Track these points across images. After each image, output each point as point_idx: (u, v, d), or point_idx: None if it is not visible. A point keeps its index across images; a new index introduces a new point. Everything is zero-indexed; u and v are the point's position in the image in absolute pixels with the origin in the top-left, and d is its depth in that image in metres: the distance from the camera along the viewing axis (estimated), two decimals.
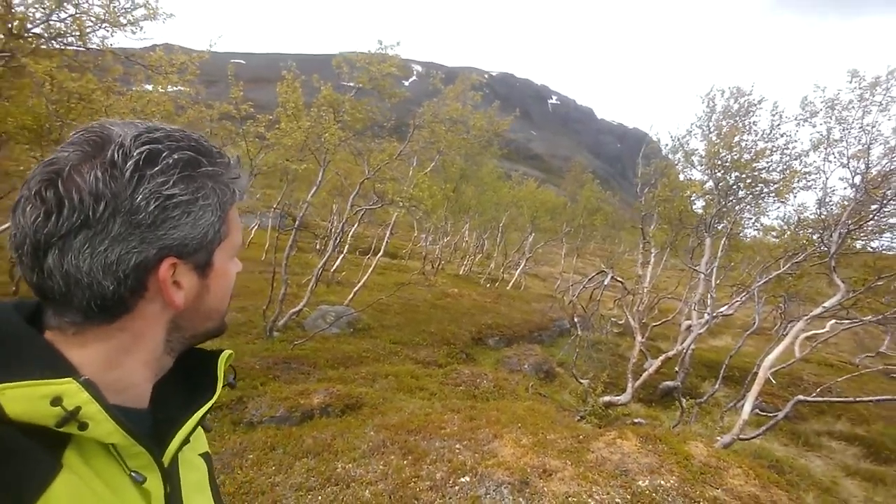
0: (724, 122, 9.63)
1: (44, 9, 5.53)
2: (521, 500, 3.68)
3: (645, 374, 9.32)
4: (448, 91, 9.92)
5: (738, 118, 9.48)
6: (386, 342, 10.11)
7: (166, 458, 0.63)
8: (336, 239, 10.30)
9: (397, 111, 10.38)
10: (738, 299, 9.28)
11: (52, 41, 5.91)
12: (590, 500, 3.66)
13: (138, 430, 0.58)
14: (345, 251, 12.90)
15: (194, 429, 0.68)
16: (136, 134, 0.57)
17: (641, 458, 4.18)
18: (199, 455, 0.77)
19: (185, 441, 0.67)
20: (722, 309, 9.20)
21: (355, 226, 11.23)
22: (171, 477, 0.65)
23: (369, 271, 12.38)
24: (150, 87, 7.80)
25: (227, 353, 0.75)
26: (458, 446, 4.64)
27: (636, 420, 8.99)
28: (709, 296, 9.54)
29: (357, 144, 9.88)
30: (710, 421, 9.51)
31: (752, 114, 9.40)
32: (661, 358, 9.59)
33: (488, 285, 21.39)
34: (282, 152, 9.22)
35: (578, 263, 28.62)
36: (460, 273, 23.46)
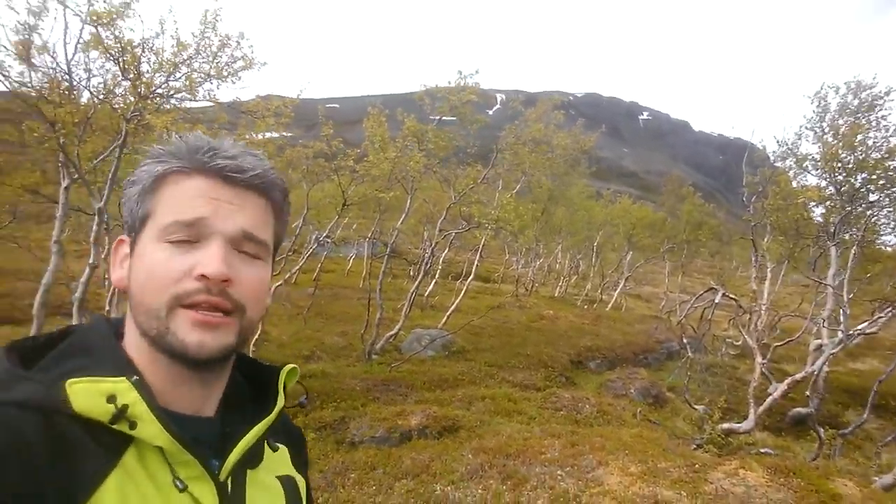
0: (840, 121, 8.66)
1: (163, 72, 6.35)
2: None
3: (770, 399, 8.37)
4: (529, 113, 9.92)
5: (859, 114, 8.49)
6: (481, 364, 10.03)
7: (223, 473, 0.61)
8: (427, 264, 10.51)
9: (481, 139, 10.55)
10: (883, 315, 8.09)
11: (170, 99, 6.78)
12: None
13: (188, 436, 0.57)
14: (436, 276, 13.09)
15: (256, 447, 0.66)
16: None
17: (772, 493, 3.71)
18: (279, 477, 0.72)
19: (251, 459, 0.65)
20: (860, 326, 8.07)
21: (445, 251, 11.40)
22: (231, 494, 0.62)
23: (461, 295, 12.44)
24: (253, 135, 8.65)
25: (288, 367, 0.72)
26: (559, 473, 4.43)
27: (763, 450, 8.05)
28: (841, 312, 8.43)
29: (443, 171, 10.14)
30: (860, 457, 8.30)
31: (877, 108, 8.38)
32: (787, 381, 8.55)
33: (585, 307, 20.60)
34: (371, 183, 9.67)
35: (685, 282, 26.78)
36: (555, 295, 22.85)
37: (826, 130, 8.71)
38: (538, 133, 9.60)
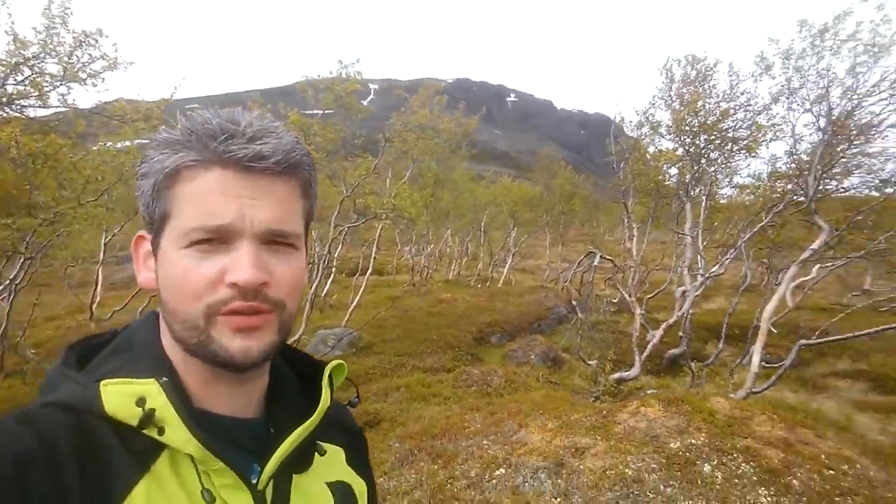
0: (685, 90, 9.84)
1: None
2: (559, 481, 3.68)
3: (650, 346, 9.41)
4: (414, 100, 9.99)
5: (697, 83, 9.69)
6: (390, 356, 10.04)
7: (263, 480, 0.57)
8: (323, 263, 10.21)
9: (362, 129, 10.42)
10: (728, 257, 9.43)
11: (9, 107, 5.80)
12: (627, 470, 3.68)
13: (223, 440, 0.55)
14: (332, 274, 12.82)
15: (304, 450, 0.61)
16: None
17: (668, 421, 4.22)
18: (330, 483, 0.67)
19: (297, 463, 0.61)
20: (714, 269, 9.35)
21: (339, 247, 11.18)
22: (271, 503, 0.58)
23: (360, 290, 12.29)
24: (128, 143, 7.68)
25: (333, 364, 0.67)
26: (485, 442, 4.63)
27: (649, 391, 9.05)
28: (699, 258, 9.70)
29: (331, 166, 9.85)
30: (720, 380, 9.64)
31: (710, 78, 9.63)
32: (662, 327, 9.69)
33: (479, 286, 21.42)
34: None
35: (563, 251, 28.85)
36: (450, 278, 23.46)
37: (674, 99, 9.84)
38: (424, 119, 9.71)
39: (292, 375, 0.69)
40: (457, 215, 24.33)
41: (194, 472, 0.53)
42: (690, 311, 9.86)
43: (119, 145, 7.04)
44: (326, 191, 12.00)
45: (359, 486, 0.72)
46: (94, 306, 14.67)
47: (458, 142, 13.09)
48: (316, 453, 0.65)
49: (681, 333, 9.82)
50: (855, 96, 7.11)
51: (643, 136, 11.30)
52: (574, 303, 10.99)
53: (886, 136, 7.40)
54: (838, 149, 7.50)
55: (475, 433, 4.92)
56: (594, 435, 4.25)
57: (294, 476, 0.61)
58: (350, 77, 8.48)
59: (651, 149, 11.18)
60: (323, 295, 14.17)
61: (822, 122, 7.32)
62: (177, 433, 0.51)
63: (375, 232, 11.92)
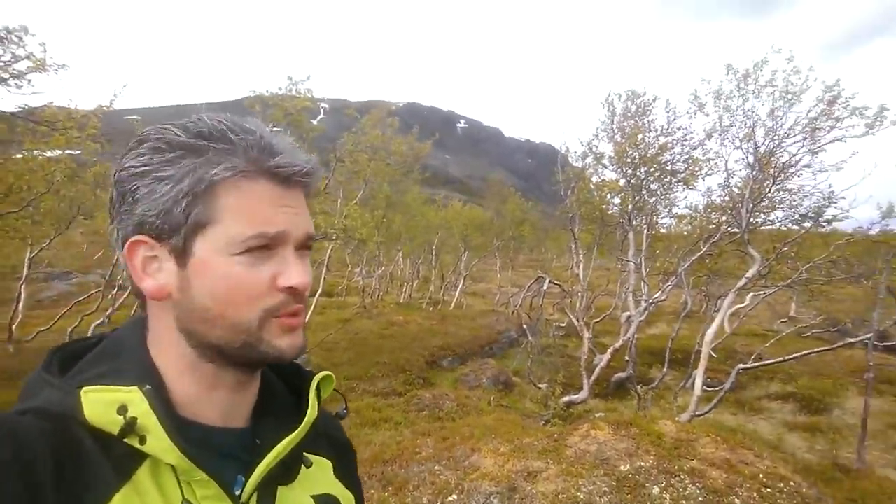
0: (626, 123, 10.38)
1: None
2: None
3: (597, 370, 9.63)
4: (366, 120, 9.97)
5: (637, 117, 10.25)
6: (340, 379, 9.66)
7: (246, 492, 0.56)
8: None
9: (313, 147, 10.30)
10: (669, 284, 9.87)
11: None
12: (578, 494, 3.70)
13: (208, 451, 0.54)
14: None
15: (290, 461, 0.61)
16: (155, 126, 0.57)
17: (617, 444, 4.30)
18: (316, 496, 0.65)
19: (282, 475, 0.60)
20: (656, 295, 9.74)
21: None
22: None
23: (309, 312, 11.97)
24: (58, 151, 7.16)
25: (321, 375, 0.67)
26: (437, 468, 4.55)
27: (598, 414, 9.23)
28: (642, 285, 10.09)
29: None
30: (665, 403, 9.96)
31: (649, 112, 10.22)
32: (609, 351, 9.95)
33: (431, 309, 21.35)
34: None
35: (513, 276, 29.31)
36: (401, 301, 23.26)
37: (615, 131, 10.34)
38: (377, 140, 9.67)
39: (283, 386, 0.69)
40: (409, 238, 24.32)
41: (175, 483, 0.52)
42: (635, 336, 10.21)
43: (49, 154, 6.58)
44: None
45: (346, 499, 0.71)
46: (13, 326, 13.53)
47: (410, 165, 13.14)
48: (302, 465, 0.64)
49: (627, 358, 10.11)
50: (776, 137, 7.74)
51: (588, 167, 11.78)
52: (524, 327, 11.12)
53: (801, 174, 8.09)
54: (765, 184, 8.09)
55: (427, 458, 4.83)
56: (546, 458, 4.26)
57: (279, 488, 0.60)
58: (300, 94, 8.39)
59: (595, 178, 11.68)
60: None
61: (751, 159, 7.89)
62: (158, 442, 0.50)
63: (325, 252, 11.70)
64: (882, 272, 7.87)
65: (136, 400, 0.51)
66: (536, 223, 27.87)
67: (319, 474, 0.68)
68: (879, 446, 8.58)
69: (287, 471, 0.61)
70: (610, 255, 16.32)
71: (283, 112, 8.53)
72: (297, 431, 0.60)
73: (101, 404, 0.50)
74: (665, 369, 10.37)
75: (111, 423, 0.50)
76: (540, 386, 9.88)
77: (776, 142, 7.64)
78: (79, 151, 7.31)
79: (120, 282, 12.58)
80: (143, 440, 0.50)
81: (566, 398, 9.22)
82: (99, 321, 7.10)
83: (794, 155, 7.67)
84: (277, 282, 0.55)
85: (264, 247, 0.54)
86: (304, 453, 0.64)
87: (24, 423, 0.48)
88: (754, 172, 7.86)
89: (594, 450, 4.28)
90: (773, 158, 7.82)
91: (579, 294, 12.86)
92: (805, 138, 7.38)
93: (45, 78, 5.72)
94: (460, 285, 23.98)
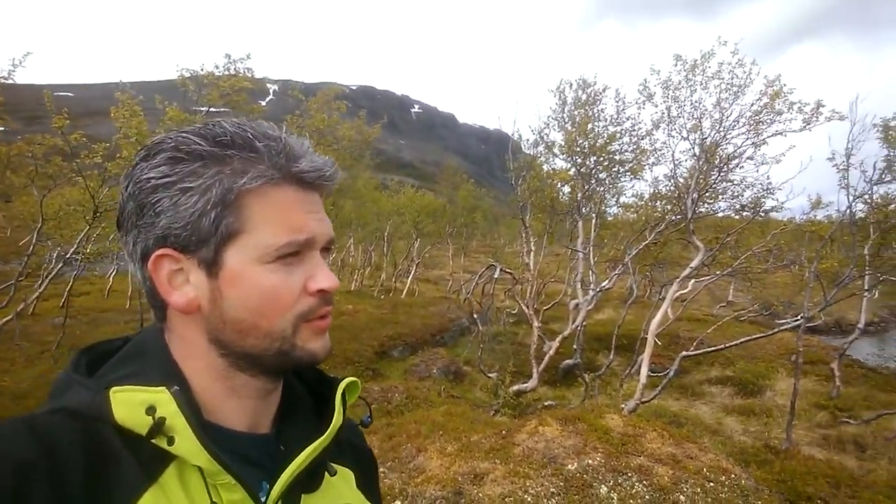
0: (576, 112, 10.35)
1: None
2: None
3: (546, 358, 9.69)
4: (311, 103, 9.42)
5: (587, 107, 10.24)
6: None
7: (271, 498, 0.55)
8: None
9: None
10: (616, 272, 10.00)
11: None
12: (526, 497, 3.59)
13: (233, 455, 0.54)
14: None
15: (314, 469, 0.60)
16: (168, 133, 0.56)
17: (565, 440, 4.23)
18: None
19: (307, 482, 0.60)
20: (604, 284, 9.85)
21: None
22: None
23: None
24: None
25: (346, 381, 0.66)
26: (382, 470, 4.34)
27: (547, 403, 9.30)
28: (590, 273, 10.19)
29: None
30: (611, 390, 10.14)
31: (598, 102, 10.22)
32: (558, 339, 10.03)
33: (382, 297, 21.03)
34: None
35: (465, 262, 29.34)
36: (352, 289, 22.80)
37: (566, 120, 10.29)
38: (321, 124, 9.16)
39: (305, 392, 0.68)
40: (360, 224, 23.80)
41: (202, 486, 0.52)
42: (583, 324, 10.32)
43: None
44: None
45: None
46: None
47: (360, 149, 12.69)
48: (326, 474, 0.63)
49: (575, 346, 10.21)
50: (721, 128, 7.89)
51: (539, 155, 11.74)
52: (475, 315, 11.03)
53: (742, 166, 8.31)
54: (711, 175, 8.26)
55: None
56: (493, 458, 4.14)
57: (303, 496, 0.59)
58: (239, 73, 7.80)
59: (546, 167, 11.65)
60: None
61: (697, 150, 8.01)
62: (187, 444, 0.50)
63: None
64: (812, 260, 8.21)
65: (164, 400, 0.51)
66: (489, 210, 27.96)
67: (343, 484, 0.67)
68: (804, 425, 9.04)
69: (311, 479, 0.61)
70: (559, 242, 16.50)
71: (220, 92, 7.92)
72: (322, 438, 0.59)
73: (129, 404, 0.50)
74: (612, 356, 10.56)
75: (140, 423, 0.50)
76: (490, 375, 9.85)
77: (722, 133, 7.79)
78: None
79: (45, 272, 11.58)
80: (171, 441, 0.50)
81: (516, 387, 9.23)
82: (8, 318, 6.40)
83: (739, 147, 7.84)
84: (308, 286, 0.56)
85: (294, 253, 0.55)
86: (330, 462, 0.63)
87: (54, 423, 0.49)
88: (700, 163, 8.00)
89: (542, 447, 4.19)
90: (718, 149, 7.98)
91: (529, 282, 12.91)
92: (749, 130, 7.54)
93: None
94: (412, 272, 23.75)
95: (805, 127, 7.16)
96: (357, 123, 11.78)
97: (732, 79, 7.51)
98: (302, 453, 0.57)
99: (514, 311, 17.18)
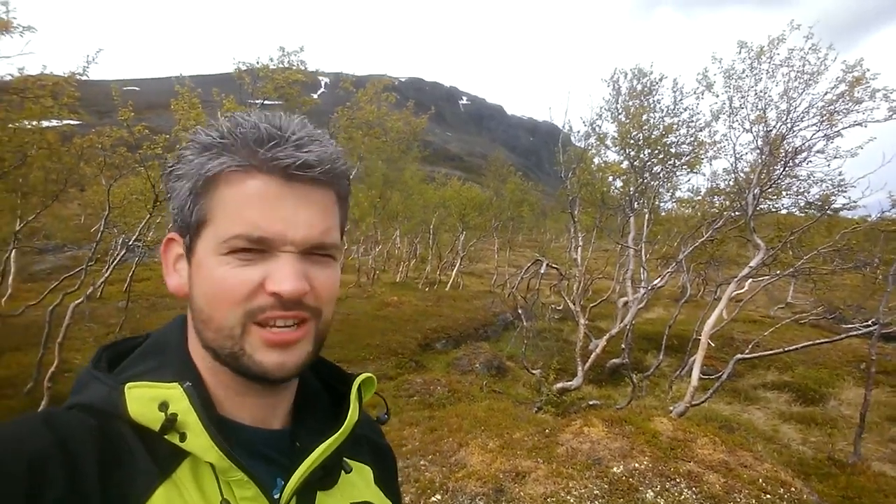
0: (630, 103, 9.97)
1: None
2: None
3: (592, 356, 9.46)
4: (360, 94, 9.51)
5: (642, 97, 9.85)
6: None
7: (285, 495, 0.54)
8: None
9: (310, 122, 9.82)
10: (669, 270, 9.63)
11: None
12: (568, 498, 3.51)
13: (246, 451, 0.54)
14: None
15: (330, 466, 0.59)
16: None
17: (611, 443, 4.10)
18: (355, 503, 0.63)
19: (322, 479, 0.59)
20: (656, 282, 9.51)
21: None
22: None
23: None
24: (26, 123, 6.82)
25: (362, 377, 0.64)
26: (423, 462, 4.36)
27: (591, 402, 9.09)
28: (641, 270, 9.85)
29: None
30: (660, 392, 9.82)
31: (655, 92, 9.81)
32: (605, 337, 9.77)
33: (427, 289, 21.15)
34: None
35: (511, 256, 29.07)
36: (397, 280, 23.06)
37: (620, 111, 9.94)
38: (371, 116, 9.22)
39: (320, 387, 0.68)
40: (406, 216, 23.99)
41: (215, 482, 0.52)
42: (632, 322, 10.02)
43: (22, 124, 6.24)
44: None
45: None
46: (1, 300, 13.29)
47: (408, 141, 12.73)
48: (342, 471, 0.63)
49: (623, 345, 9.92)
50: (788, 120, 7.38)
51: (590, 147, 11.42)
52: (520, 310, 10.91)
53: (811, 160, 7.76)
54: (774, 169, 7.78)
55: (413, 451, 4.65)
56: (536, 457, 4.06)
57: (318, 494, 0.59)
58: (293, 66, 7.96)
59: (597, 160, 11.31)
60: None
61: (761, 143, 7.55)
62: (198, 440, 0.50)
63: None
64: (891, 262, 7.59)
65: (176, 396, 0.50)
66: (536, 204, 27.51)
67: (360, 481, 0.66)
68: (875, 439, 8.46)
69: (327, 475, 0.60)
70: (609, 238, 16.05)
71: (274, 85, 8.11)
72: (337, 434, 0.58)
73: (143, 400, 0.50)
74: (661, 356, 10.21)
75: (153, 419, 0.50)
76: (533, 371, 9.72)
77: (789, 125, 7.29)
78: (56, 122, 6.96)
79: (111, 258, 12.28)
80: (183, 437, 0.50)
81: (560, 384, 9.07)
82: (79, 301, 6.85)
83: (808, 139, 7.32)
84: (266, 285, 0.52)
85: (252, 250, 0.52)
86: (345, 459, 0.63)
87: (70, 418, 0.49)
88: (764, 157, 7.54)
89: (587, 448, 4.08)
90: (784, 142, 7.49)
91: (576, 277, 12.63)
92: (821, 121, 7.02)
93: (12, 42, 5.33)
94: (457, 265, 23.75)
95: (891, 116, 6.58)
96: (405, 114, 11.80)
97: (804, 66, 7.00)
98: (317, 450, 0.56)
99: (559, 308, 16.89)
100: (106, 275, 9.18)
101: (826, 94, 6.89)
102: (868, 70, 6.60)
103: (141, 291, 14.90)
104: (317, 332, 0.56)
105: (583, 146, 11.67)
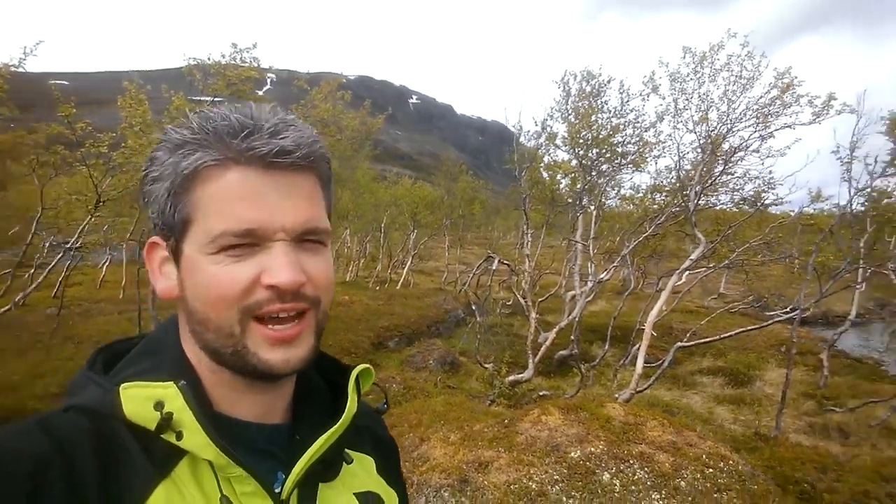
0: (580, 104, 10.35)
1: None
2: (463, 499, 3.55)
3: (543, 348, 9.75)
4: (315, 93, 9.31)
5: (591, 98, 10.24)
6: None
7: (286, 489, 0.54)
8: None
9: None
10: (615, 264, 10.06)
11: None
12: (531, 483, 3.64)
13: (245, 447, 0.54)
14: None
15: (330, 458, 0.59)
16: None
17: (568, 429, 4.28)
18: (357, 494, 0.63)
19: (323, 471, 0.59)
20: (602, 275, 9.91)
21: None
22: None
23: None
24: None
25: (360, 368, 0.65)
26: None
27: (542, 393, 9.37)
28: (589, 265, 10.24)
29: None
30: (605, 381, 10.24)
31: (603, 93, 10.22)
32: (555, 329, 10.08)
33: (378, 288, 21.02)
34: (133, 174, 7.65)
35: (461, 254, 29.36)
36: (347, 280, 22.78)
37: (570, 112, 10.28)
38: (327, 114, 9.05)
39: (319, 380, 0.67)
40: (357, 215, 23.75)
41: (213, 479, 0.51)
42: (580, 315, 10.39)
43: None
44: None
45: (389, 498, 0.69)
46: None
47: (361, 140, 12.61)
48: (343, 462, 0.63)
49: (572, 336, 10.28)
50: (728, 121, 7.92)
51: (540, 146, 11.74)
52: (472, 306, 11.07)
53: (746, 159, 8.35)
54: (715, 167, 8.30)
55: None
56: (497, 447, 4.19)
57: (320, 486, 0.59)
58: (245, 63, 7.71)
59: (546, 158, 11.66)
60: None
61: (703, 142, 8.04)
62: (195, 438, 0.50)
63: None
64: (810, 253, 8.29)
65: (171, 395, 0.50)
66: (486, 202, 27.89)
67: (361, 472, 0.66)
68: (793, 413, 9.19)
69: (328, 468, 0.60)
70: (559, 234, 16.53)
71: (226, 82, 7.82)
72: (336, 427, 0.58)
73: (138, 400, 0.50)
74: (606, 346, 10.65)
75: (148, 419, 0.50)
76: (486, 366, 9.90)
77: (728, 126, 7.82)
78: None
79: (37, 261, 11.44)
80: (179, 436, 0.50)
81: (511, 377, 9.29)
82: (7, 308, 6.34)
83: (746, 140, 7.88)
84: (262, 279, 0.51)
85: (243, 245, 0.51)
86: (346, 450, 0.63)
87: (67, 421, 0.49)
88: (705, 155, 8.03)
89: (545, 436, 4.24)
90: (724, 142, 8.01)
91: (528, 273, 12.96)
92: (758, 123, 7.57)
93: None
94: (408, 263, 23.74)
95: (815, 120, 7.20)
96: (361, 113, 11.69)
97: (741, 71, 7.53)
98: (316, 442, 0.56)
99: (509, 303, 17.23)
100: (40, 279, 8.56)
101: (761, 97, 7.45)
102: (796, 77, 7.20)
103: (73, 296, 13.99)
104: (317, 323, 0.56)
105: (533, 145, 11.99)
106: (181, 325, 0.57)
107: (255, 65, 7.84)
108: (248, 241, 0.51)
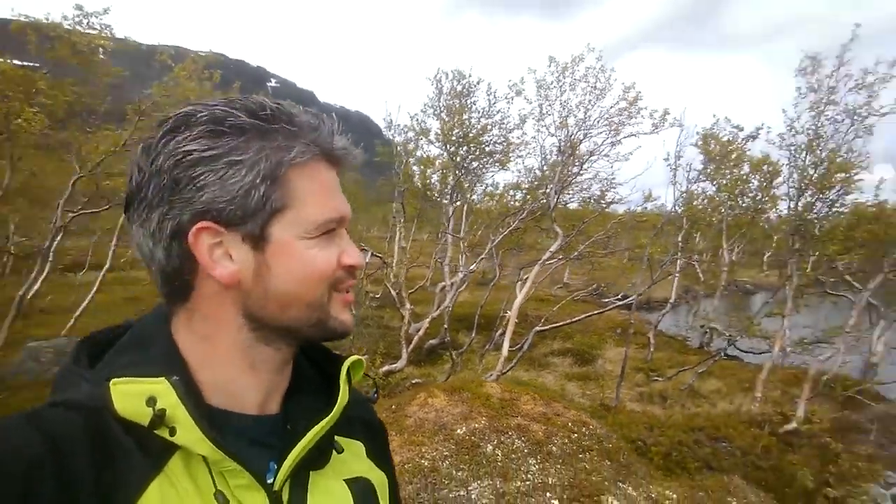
0: (452, 101, 10.84)
1: None
2: None
3: (416, 338, 10.13)
4: (179, 70, 8.40)
5: (461, 98, 10.79)
6: None
7: (279, 479, 0.55)
8: (46, 256, 7.97)
9: (103, 96, 8.34)
10: (483, 256, 10.78)
11: None
12: (423, 461, 3.90)
13: (238, 440, 0.55)
14: (46, 270, 10.10)
15: (321, 447, 0.60)
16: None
17: (453, 409, 4.63)
18: (348, 480, 0.64)
19: (315, 460, 0.60)
20: (472, 267, 10.57)
21: (59, 237, 8.78)
22: (288, 502, 0.57)
23: (93, 290, 10.02)
24: None
25: (352, 359, 0.66)
26: None
27: (414, 381, 9.73)
28: (461, 257, 10.83)
29: (60, 136, 7.63)
30: (472, 366, 10.95)
31: (472, 94, 10.83)
32: (427, 319, 10.52)
33: None
34: None
35: None
36: None
37: (442, 109, 10.72)
38: (193, 94, 8.26)
39: (311, 370, 0.68)
40: None
41: (208, 473, 0.52)
42: (451, 305, 10.97)
43: None
44: (55, 167, 9.25)
45: (378, 480, 0.71)
46: None
47: None
48: (333, 451, 0.64)
49: (445, 325, 10.80)
50: (584, 127, 8.95)
51: (410, 141, 12.08)
52: None
53: (599, 163, 9.54)
54: (572, 168, 9.33)
55: None
56: (388, 431, 4.38)
57: (311, 474, 0.60)
58: (95, 29, 6.71)
59: (419, 153, 12.03)
60: (28, 297, 11.06)
61: (563, 145, 8.99)
62: (188, 433, 0.50)
63: (118, 220, 9.75)
64: (644, 246, 9.76)
65: (163, 391, 0.50)
66: (357, 194, 27.61)
67: (351, 458, 0.68)
68: (628, 385, 10.76)
69: (319, 456, 0.61)
70: (426, 227, 17.07)
71: (72, 48, 6.72)
72: (328, 417, 0.59)
73: (130, 396, 0.50)
74: (473, 334, 11.38)
75: (141, 415, 0.49)
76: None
77: (584, 131, 8.82)
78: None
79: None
80: (172, 431, 0.49)
81: (385, 368, 9.53)
82: None
83: (599, 145, 8.97)
84: (342, 260, 0.58)
85: (332, 230, 0.58)
86: (336, 437, 0.64)
87: (58, 417, 0.48)
88: (564, 158, 8.97)
89: (432, 417, 4.54)
90: (580, 146, 9.02)
91: (403, 265, 13.24)
92: (610, 131, 8.66)
93: None
94: None
95: (654, 130, 8.47)
96: (231, 94, 10.80)
97: (596, 83, 8.54)
98: (309, 432, 0.57)
99: (377, 296, 17.38)
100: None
101: (611, 107, 8.55)
102: (640, 92, 8.41)
103: None
104: None
105: (403, 139, 12.26)
106: (199, 317, 0.57)
107: (109, 33, 6.90)
108: (335, 228, 0.58)
